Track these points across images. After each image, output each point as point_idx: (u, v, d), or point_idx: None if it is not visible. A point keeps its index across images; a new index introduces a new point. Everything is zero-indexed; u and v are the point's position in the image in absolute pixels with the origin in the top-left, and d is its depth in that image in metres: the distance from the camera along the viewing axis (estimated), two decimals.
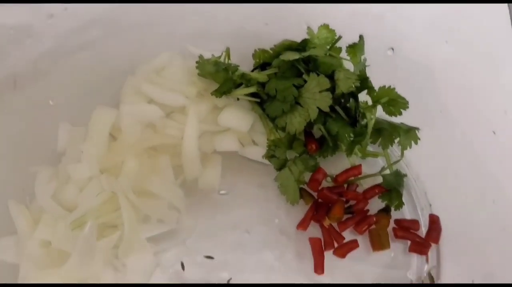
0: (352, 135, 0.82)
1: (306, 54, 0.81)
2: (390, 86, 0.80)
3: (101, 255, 0.74)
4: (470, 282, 0.78)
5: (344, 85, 0.79)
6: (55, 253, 0.74)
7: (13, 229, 0.76)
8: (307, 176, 0.84)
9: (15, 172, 0.79)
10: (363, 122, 0.83)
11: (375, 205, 0.84)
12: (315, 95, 0.79)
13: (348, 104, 0.84)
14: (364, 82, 0.81)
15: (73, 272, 0.73)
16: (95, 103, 0.84)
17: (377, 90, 0.81)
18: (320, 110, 0.80)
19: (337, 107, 0.83)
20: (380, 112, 0.83)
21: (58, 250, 0.74)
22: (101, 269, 0.75)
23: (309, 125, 0.83)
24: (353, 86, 0.79)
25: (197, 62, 0.84)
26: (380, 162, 0.87)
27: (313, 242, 0.81)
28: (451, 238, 0.82)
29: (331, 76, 0.81)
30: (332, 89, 0.80)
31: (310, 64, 0.83)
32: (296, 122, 0.81)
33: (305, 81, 0.81)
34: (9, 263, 0.74)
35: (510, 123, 0.75)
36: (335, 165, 0.87)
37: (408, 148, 0.83)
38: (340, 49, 0.85)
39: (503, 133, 0.75)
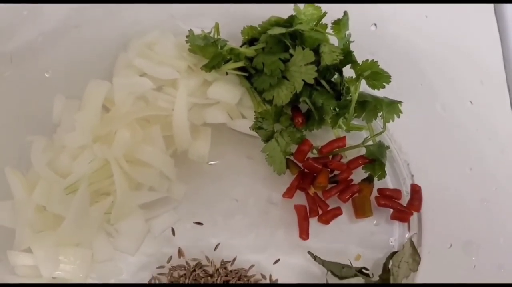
0: (336, 107, 0.85)
1: (292, 29, 0.84)
2: (373, 60, 0.83)
3: (94, 220, 0.77)
4: (449, 247, 0.81)
5: (328, 58, 0.82)
6: (50, 217, 0.77)
7: (9, 195, 0.78)
8: (293, 149, 0.87)
9: (12, 141, 0.81)
10: (348, 97, 0.87)
11: (358, 176, 0.87)
12: (301, 69, 0.83)
13: (333, 79, 0.88)
14: (348, 56, 0.84)
15: (67, 235, 0.76)
16: (89, 77, 0.86)
17: (360, 64, 0.84)
18: (306, 83, 0.83)
19: (322, 81, 0.86)
20: (364, 87, 0.86)
21: (53, 214, 0.77)
22: (94, 234, 0.78)
23: (296, 98, 0.86)
24: (337, 59, 0.82)
25: (187, 36, 0.87)
26: (364, 136, 0.89)
27: (298, 209, 0.84)
28: (432, 206, 0.86)
29: (316, 51, 0.84)
30: (317, 62, 0.83)
31: (297, 40, 0.86)
32: (283, 95, 0.85)
33: (291, 56, 0.84)
34: (5, 228, 0.77)
35: (485, 93, 0.78)
36: (321, 138, 0.90)
37: (391, 120, 0.86)
38: (325, 26, 0.88)
39: (479, 103, 0.79)
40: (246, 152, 0.89)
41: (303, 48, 0.82)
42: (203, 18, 0.93)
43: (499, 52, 0.76)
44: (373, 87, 0.85)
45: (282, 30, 0.84)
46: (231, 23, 0.92)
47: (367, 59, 0.83)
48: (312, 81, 0.82)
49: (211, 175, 0.87)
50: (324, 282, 0.79)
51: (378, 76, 0.84)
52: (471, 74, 0.80)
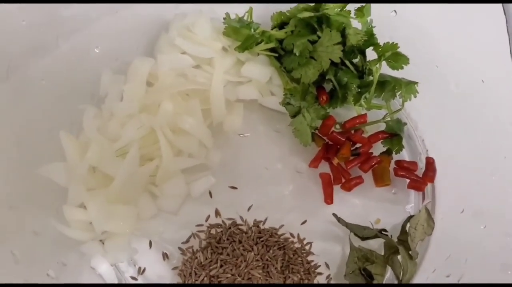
0: (359, 85, 0.93)
1: (320, 13, 0.92)
2: (393, 42, 0.91)
3: (140, 181, 0.85)
4: (460, 213, 0.89)
5: (353, 39, 0.90)
6: (100, 177, 0.85)
7: (60, 158, 0.86)
8: (318, 124, 0.95)
9: (63, 110, 0.89)
10: (370, 78, 0.95)
11: (377, 151, 0.95)
12: (328, 49, 0.91)
13: (356, 61, 0.96)
14: (371, 38, 0.92)
15: (116, 194, 0.83)
16: (132, 55, 0.95)
17: (382, 46, 0.92)
18: (332, 63, 0.92)
19: (347, 61, 0.94)
20: (383, 70, 0.94)
21: (103, 175, 0.85)
22: (140, 193, 0.86)
23: (322, 77, 0.94)
24: (362, 39, 0.90)
25: (224, 18, 0.95)
26: (382, 114, 0.97)
27: (323, 176, 0.92)
28: (445, 178, 0.93)
29: (341, 33, 0.92)
30: (342, 44, 0.91)
31: (323, 24, 0.94)
32: (310, 73, 0.93)
33: (319, 38, 0.92)
34: (58, 187, 0.84)
35: (496, 71, 0.86)
36: (343, 116, 0.98)
37: (408, 100, 0.94)
38: (349, 12, 0.96)
39: (490, 80, 0.87)
40: (274, 126, 0.97)
41: (330, 30, 0.91)
42: (236, 5, 1.01)
43: (505, 36, 0.85)
44: (393, 68, 0.93)
45: (311, 14, 0.93)
46: (262, 9, 1.00)
47: (388, 42, 0.91)
48: (338, 60, 0.91)
49: (243, 146, 0.95)
50: (347, 242, 0.86)
51: (397, 58, 0.92)
52: (482, 55, 0.88)
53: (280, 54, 0.97)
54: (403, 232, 0.87)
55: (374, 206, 0.92)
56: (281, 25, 0.99)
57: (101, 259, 0.82)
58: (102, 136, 0.86)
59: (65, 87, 0.90)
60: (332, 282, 0.86)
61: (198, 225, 0.87)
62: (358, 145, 0.95)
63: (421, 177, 0.94)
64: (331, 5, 0.94)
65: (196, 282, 0.81)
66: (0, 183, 0.79)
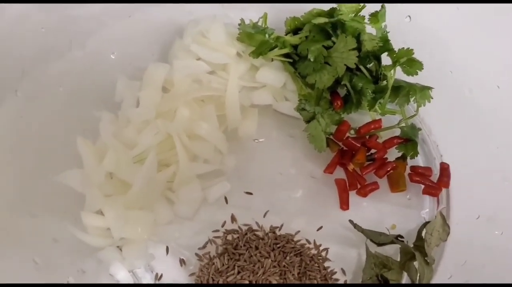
0: (374, 91, 0.93)
1: (335, 19, 0.92)
2: (408, 48, 0.91)
3: (157, 187, 0.85)
4: (476, 219, 0.89)
5: (369, 45, 0.90)
6: (118, 183, 0.85)
7: (78, 164, 0.86)
8: (332, 130, 0.95)
9: (81, 115, 0.89)
10: (384, 83, 0.95)
11: (392, 156, 0.95)
12: (343, 54, 0.91)
13: (370, 66, 0.96)
14: (385, 44, 0.92)
15: (134, 200, 0.84)
16: (146, 61, 0.95)
17: (396, 51, 0.92)
18: (347, 68, 0.92)
19: (362, 67, 0.94)
20: (397, 75, 0.94)
21: (120, 181, 0.85)
22: (156, 199, 0.86)
23: (336, 82, 0.94)
24: (377, 45, 0.90)
25: (239, 24, 0.95)
26: (396, 119, 0.97)
27: (339, 182, 0.92)
28: (460, 183, 0.93)
29: (356, 39, 0.92)
30: (358, 49, 0.92)
31: (338, 30, 0.94)
32: (325, 79, 0.93)
33: (334, 43, 0.93)
34: (76, 193, 0.85)
35: (510, 76, 0.87)
36: (358, 121, 0.98)
37: (422, 105, 0.94)
38: (363, 17, 0.96)
39: (504, 85, 0.87)
40: (289, 131, 0.97)
41: (346, 36, 0.91)
42: (249, 10, 1.01)
43: None
44: (408, 73, 0.93)
45: (325, 20, 0.93)
46: (275, 15, 1.00)
47: (403, 47, 0.91)
48: (353, 66, 0.91)
49: (258, 151, 0.95)
50: (363, 247, 0.86)
51: (412, 64, 0.92)
52: (498, 60, 0.88)
53: (294, 60, 0.97)
54: (419, 238, 0.87)
55: (389, 211, 0.92)
56: (295, 31, 0.99)
57: (119, 266, 0.82)
58: (119, 143, 0.86)
59: (81, 93, 0.90)
60: None
61: (214, 231, 0.87)
62: (373, 151, 0.95)
63: (436, 182, 0.94)
64: (345, 10, 0.94)
65: None
66: (19, 190, 0.79)
